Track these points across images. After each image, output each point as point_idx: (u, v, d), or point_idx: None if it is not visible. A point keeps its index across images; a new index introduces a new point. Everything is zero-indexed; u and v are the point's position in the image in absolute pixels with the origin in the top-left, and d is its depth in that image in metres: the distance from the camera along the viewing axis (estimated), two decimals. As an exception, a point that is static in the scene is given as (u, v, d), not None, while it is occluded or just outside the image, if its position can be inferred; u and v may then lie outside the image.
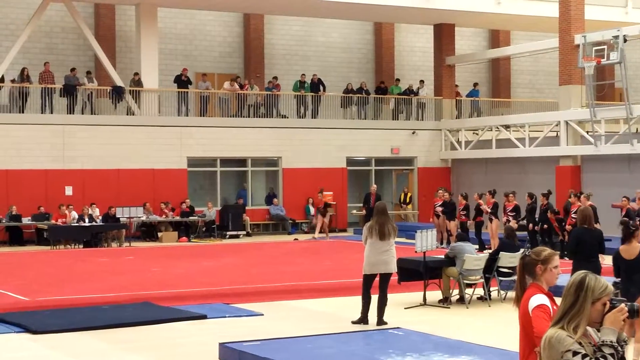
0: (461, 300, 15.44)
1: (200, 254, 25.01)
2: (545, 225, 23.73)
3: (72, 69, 31.76)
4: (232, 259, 23.11)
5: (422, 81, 37.51)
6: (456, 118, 36.60)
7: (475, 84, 39.02)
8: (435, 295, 15.48)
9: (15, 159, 29.27)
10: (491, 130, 33.77)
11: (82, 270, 20.41)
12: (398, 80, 38.05)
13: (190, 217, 30.96)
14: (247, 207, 32.73)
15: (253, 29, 37.15)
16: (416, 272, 15.55)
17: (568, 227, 22.32)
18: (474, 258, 15.41)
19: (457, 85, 37.57)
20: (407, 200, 35.02)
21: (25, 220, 28.79)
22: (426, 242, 15.43)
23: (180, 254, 24.80)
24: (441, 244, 24.97)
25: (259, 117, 33.89)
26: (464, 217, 25.84)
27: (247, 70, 36.98)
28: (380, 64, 39.70)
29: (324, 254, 24.52)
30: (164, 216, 30.63)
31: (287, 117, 34.41)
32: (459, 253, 15.40)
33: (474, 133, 35.15)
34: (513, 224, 22.75)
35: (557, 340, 4.50)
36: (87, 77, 32.03)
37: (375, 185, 32.33)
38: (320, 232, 30.82)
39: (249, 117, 33.73)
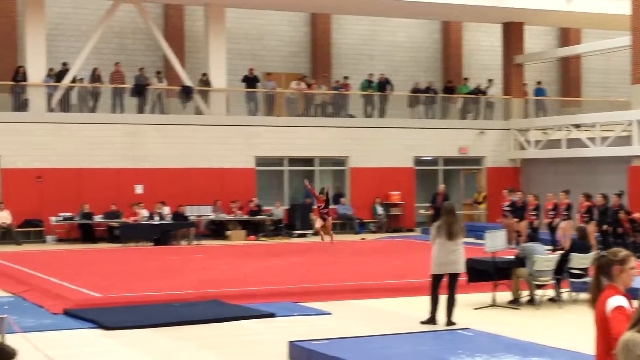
0: (531, 301, 15.29)
1: (268, 252, 25.12)
2: (620, 229, 23.32)
3: (141, 69, 32.18)
4: (300, 257, 23.17)
5: (490, 80, 37.22)
6: (525, 117, 36.24)
7: (539, 82, 38.49)
8: (504, 296, 15.35)
9: (88, 158, 29.76)
10: (561, 129, 33.38)
11: (153, 268, 20.65)
12: (466, 79, 37.82)
13: (258, 216, 31.15)
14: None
15: (320, 29, 37.24)
16: (485, 272, 15.43)
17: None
18: (544, 259, 15.24)
19: (525, 84, 37.23)
20: (481, 199, 34.71)
21: (97, 218, 29.25)
22: (496, 243, 15.31)
23: (248, 253, 24.95)
24: (510, 244, 24.72)
25: (326, 116, 33.97)
26: (533, 218, 25.58)
27: (315, 69, 37.08)
28: (447, 63, 39.51)
29: (391, 254, 24.45)
30: (232, 215, 30.86)
31: (355, 117, 34.43)
32: (529, 254, 15.24)
33: (543, 133, 34.78)
34: (591, 226, 22.43)
35: (634, 344, 4.45)
36: (156, 77, 32.42)
37: (443, 185, 32.18)
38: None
39: (316, 116, 33.83)
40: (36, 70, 30.18)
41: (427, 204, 32.86)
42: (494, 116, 36.52)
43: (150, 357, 11.25)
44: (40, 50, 30.40)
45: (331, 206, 31.31)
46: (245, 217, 31.02)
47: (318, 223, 24.62)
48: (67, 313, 14.24)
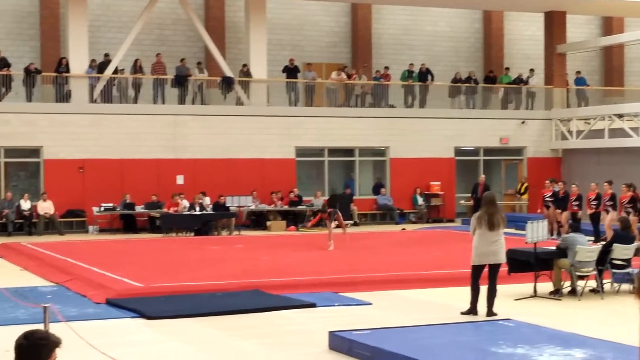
0: (573, 292, 15.19)
1: (308, 243, 25.15)
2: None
3: (182, 60, 32.34)
4: (340, 248, 23.16)
5: (532, 70, 36.96)
6: (567, 107, 35.94)
7: (578, 72, 38.06)
8: (546, 287, 15.26)
9: (129, 148, 29.98)
10: (603, 119, 33.06)
11: (194, 258, 20.75)
12: (507, 69, 37.57)
13: (299, 207, 31.20)
14: (354, 197, 32.81)
15: (361, 19, 37.15)
16: (527, 263, 15.34)
17: None
18: (586, 249, 15.12)
19: (566, 74, 36.93)
20: (523, 190, 34.42)
21: (139, 209, 29.47)
22: (537, 233, 15.21)
23: (288, 243, 25.01)
24: (551, 235, 24.55)
25: (367, 107, 33.93)
26: (575, 208, 25.37)
27: (355, 60, 37.01)
28: (489, 52, 39.26)
29: (431, 244, 24.40)
30: (272, 205, 30.93)
31: (395, 107, 34.35)
32: (571, 244, 15.12)
33: (585, 122, 34.48)
34: (633, 217, 22.14)
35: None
36: (197, 67, 32.56)
37: (483, 176, 32.03)
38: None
39: (356, 107, 33.80)
40: (79, 61, 30.44)
41: (468, 195, 32.74)
42: (536, 106, 36.27)
43: (192, 347, 11.32)
44: (82, 41, 30.65)
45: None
46: (286, 207, 31.09)
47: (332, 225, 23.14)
48: (110, 302, 14.36)
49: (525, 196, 34.41)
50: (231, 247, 23.93)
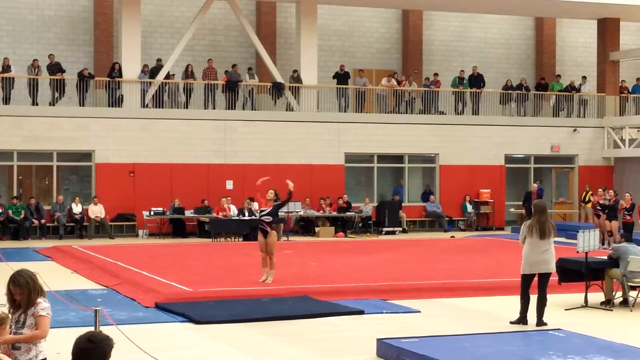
0: (625, 303, 14.98)
1: (356, 249, 25.11)
2: None
3: (234, 65, 32.50)
4: (389, 255, 23.11)
5: (584, 77, 36.60)
6: (620, 115, 35.53)
7: (638, 79, 37.62)
8: (597, 297, 15.09)
9: (180, 153, 30.19)
10: (657, 128, 32.67)
11: (242, 263, 20.82)
12: (559, 76, 37.24)
13: (347, 213, 31.18)
14: (403, 204, 32.73)
15: (412, 25, 37.05)
16: (577, 272, 15.20)
17: None
18: (638, 259, 14.91)
19: (623, 81, 36.52)
20: (588, 199, 33.76)
21: (188, 213, 29.63)
22: (588, 243, 15.04)
23: (337, 249, 24.98)
24: (602, 244, 24.26)
25: (417, 113, 33.83)
26: (628, 217, 25.07)
27: (405, 66, 36.92)
28: (540, 59, 38.94)
29: (481, 252, 24.23)
30: (321, 211, 30.95)
31: (445, 114, 34.22)
32: (623, 254, 14.94)
33: (638, 131, 34.06)
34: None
35: None
36: (248, 73, 32.70)
37: (535, 184, 31.74)
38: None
39: (406, 113, 33.71)
40: (131, 66, 30.72)
41: (517, 203, 32.51)
42: (588, 114, 35.91)
43: (240, 352, 11.36)
44: (135, 47, 30.93)
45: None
46: (334, 213, 31.09)
47: (261, 241, 17.58)
48: (159, 306, 14.46)
49: (589, 205, 33.75)
50: (279, 252, 23.89)
